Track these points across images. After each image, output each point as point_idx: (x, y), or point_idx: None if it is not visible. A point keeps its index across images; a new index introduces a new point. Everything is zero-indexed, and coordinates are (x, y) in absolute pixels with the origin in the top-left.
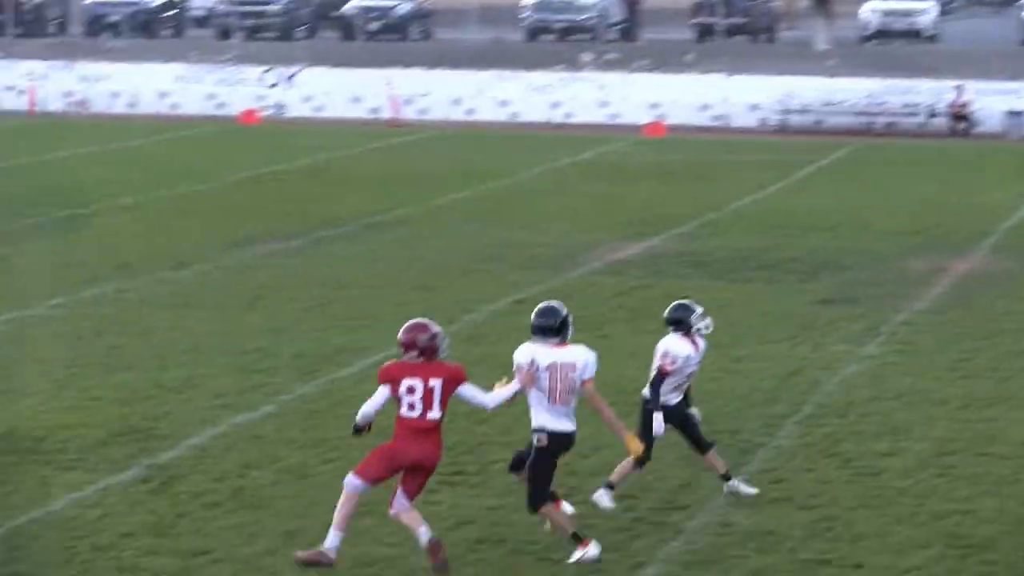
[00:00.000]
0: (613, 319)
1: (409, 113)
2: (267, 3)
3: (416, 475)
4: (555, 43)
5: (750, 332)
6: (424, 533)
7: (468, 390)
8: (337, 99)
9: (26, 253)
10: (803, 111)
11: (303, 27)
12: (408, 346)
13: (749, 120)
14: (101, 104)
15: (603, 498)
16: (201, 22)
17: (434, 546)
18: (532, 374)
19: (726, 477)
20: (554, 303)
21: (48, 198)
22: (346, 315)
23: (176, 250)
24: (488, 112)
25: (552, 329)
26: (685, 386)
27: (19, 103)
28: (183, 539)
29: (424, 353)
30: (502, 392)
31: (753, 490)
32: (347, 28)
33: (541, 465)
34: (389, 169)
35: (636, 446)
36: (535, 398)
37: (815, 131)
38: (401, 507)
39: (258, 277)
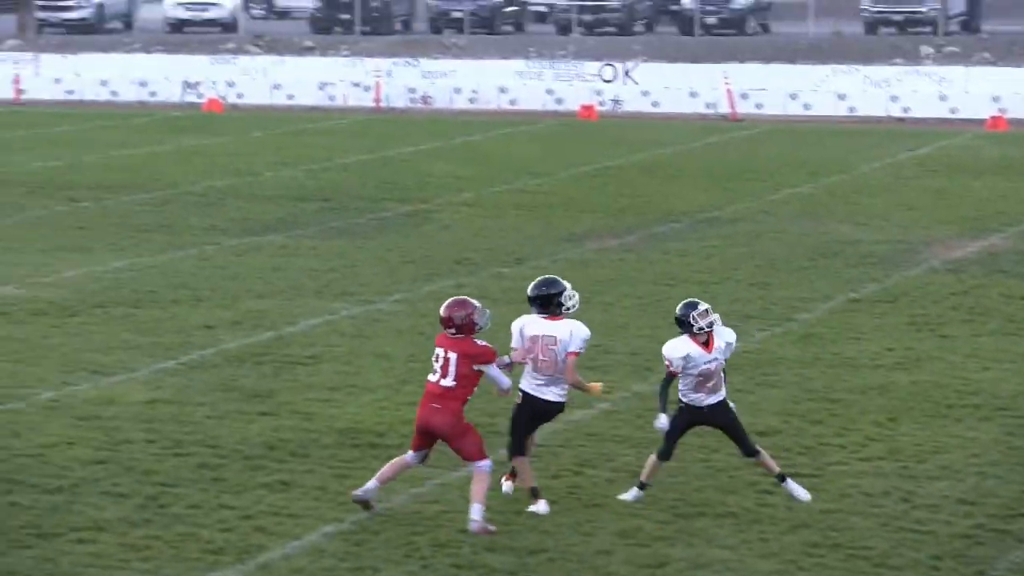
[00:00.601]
0: (951, 319)
1: (746, 107)
2: None
3: (423, 436)
4: (895, 36)
5: None
6: (368, 491)
7: (491, 371)
8: (674, 94)
9: (369, 248)
10: None
11: (641, 21)
12: (446, 322)
13: None
14: (443, 100)
15: (630, 493)
16: (541, 17)
17: (361, 502)
18: (522, 351)
19: (781, 478)
20: (552, 276)
21: (391, 194)
22: None
23: (513, 245)
24: (825, 106)
25: (537, 301)
26: (711, 384)
27: (365, 99)
28: (520, 536)
29: (461, 329)
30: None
31: (806, 495)
32: (685, 22)
33: (515, 419)
34: (725, 164)
35: (596, 388)
36: (527, 364)
37: None
38: (399, 459)
39: (594, 272)
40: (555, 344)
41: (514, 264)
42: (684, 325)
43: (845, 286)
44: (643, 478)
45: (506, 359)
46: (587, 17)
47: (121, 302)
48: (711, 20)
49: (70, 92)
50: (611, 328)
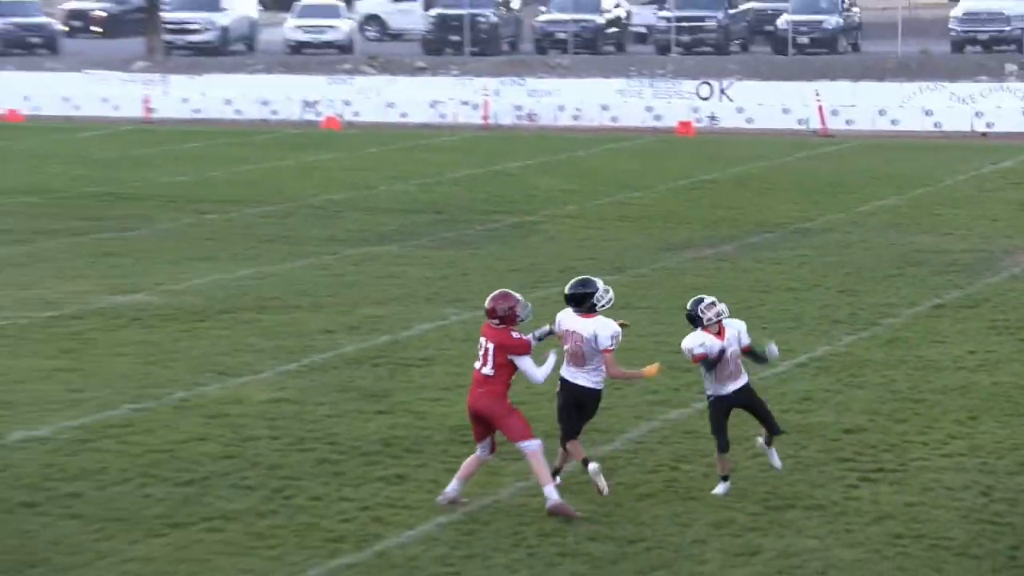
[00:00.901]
0: None
1: (836, 123)
2: (704, 19)
3: (477, 423)
4: (980, 54)
5: None
6: (452, 489)
7: (523, 362)
8: (767, 110)
9: (479, 258)
10: None
11: (737, 41)
12: (490, 313)
13: None
14: (548, 117)
15: (719, 488)
16: (642, 38)
17: (448, 502)
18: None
19: (768, 441)
20: (587, 277)
21: (500, 206)
22: (771, 317)
23: (615, 255)
24: (913, 122)
25: (572, 299)
26: (728, 372)
27: (473, 117)
28: (620, 527)
29: (504, 320)
30: (546, 365)
31: (779, 464)
32: (779, 42)
33: (559, 406)
34: (816, 177)
35: (651, 370)
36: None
37: None
38: (472, 457)
39: (690, 280)
40: (581, 341)
41: (615, 272)
42: (695, 320)
43: (930, 293)
44: (720, 473)
45: (547, 328)
46: (685, 38)
47: (246, 308)
48: (804, 40)
49: (196, 111)
50: None
